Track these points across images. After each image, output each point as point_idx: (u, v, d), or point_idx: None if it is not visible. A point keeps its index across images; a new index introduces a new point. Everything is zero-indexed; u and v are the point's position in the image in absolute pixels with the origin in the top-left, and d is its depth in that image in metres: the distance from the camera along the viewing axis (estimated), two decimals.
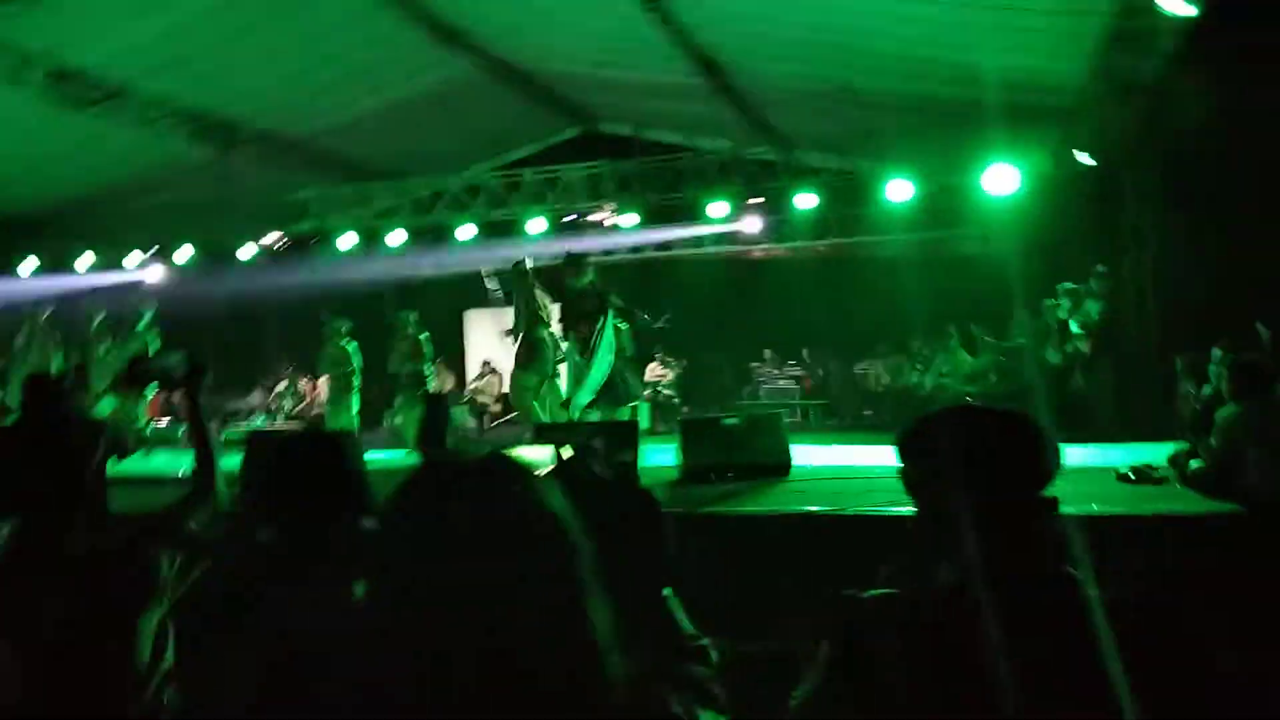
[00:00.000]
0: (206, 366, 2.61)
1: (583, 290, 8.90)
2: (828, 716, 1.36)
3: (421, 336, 10.74)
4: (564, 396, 9.01)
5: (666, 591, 1.43)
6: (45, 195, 13.59)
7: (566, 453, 1.63)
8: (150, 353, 10.21)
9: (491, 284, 11.39)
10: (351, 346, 10.92)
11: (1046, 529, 1.40)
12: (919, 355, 12.83)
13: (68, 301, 11.54)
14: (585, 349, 8.77)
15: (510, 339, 9.48)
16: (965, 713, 1.26)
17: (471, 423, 14.42)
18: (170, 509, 2.46)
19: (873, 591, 1.40)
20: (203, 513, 2.45)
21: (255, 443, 6.79)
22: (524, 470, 1.18)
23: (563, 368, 9.17)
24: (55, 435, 2.33)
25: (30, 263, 14.31)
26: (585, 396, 8.77)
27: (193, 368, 2.58)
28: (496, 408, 15.24)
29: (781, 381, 13.95)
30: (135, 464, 8.40)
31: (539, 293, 9.24)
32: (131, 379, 2.82)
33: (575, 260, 9.37)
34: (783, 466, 6.65)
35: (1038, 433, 1.52)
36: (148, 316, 10.70)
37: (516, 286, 9.29)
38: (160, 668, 2.22)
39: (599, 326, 8.79)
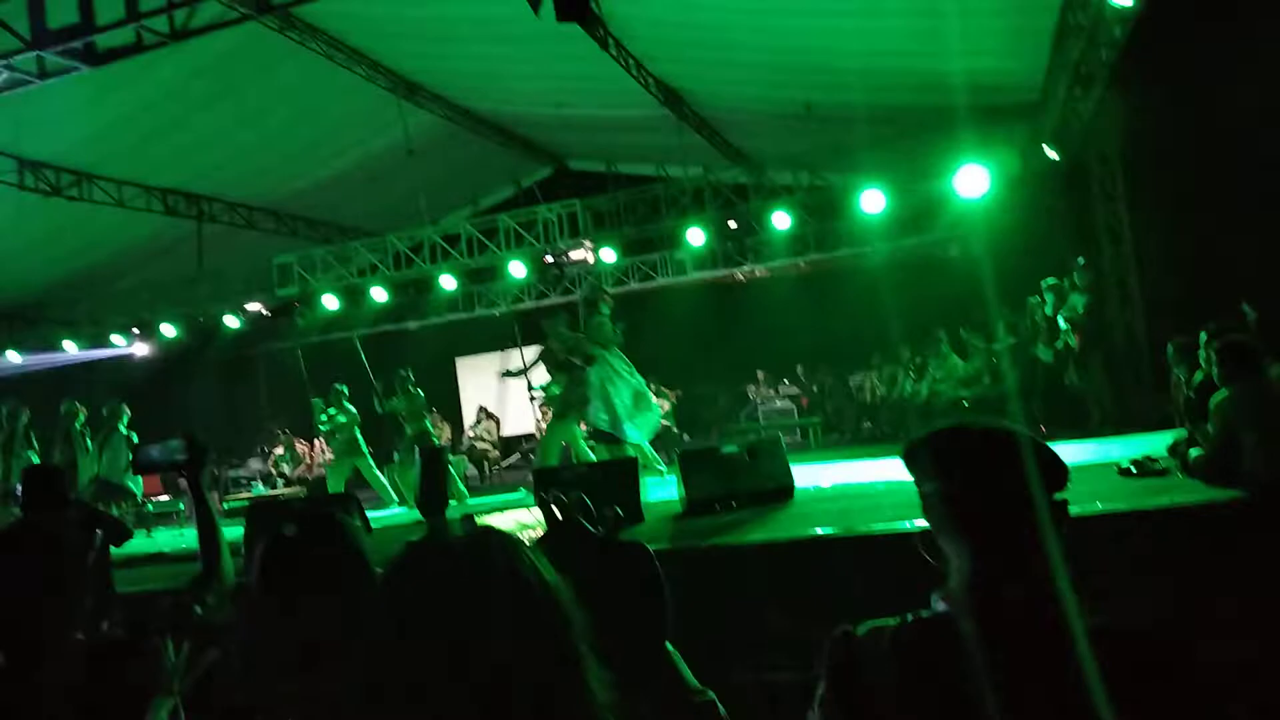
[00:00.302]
0: (207, 448, 2.62)
1: (610, 316, 8.95)
2: None
3: (419, 392, 10.80)
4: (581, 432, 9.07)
5: (668, 647, 1.42)
6: (24, 284, 13.61)
7: (557, 512, 1.63)
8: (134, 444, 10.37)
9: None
10: (351, 407, 10.99)
11: (1044, 550, 1.37)
12: (911, 363, 12.85)
13: (46, 401, 11.60)
14: (629, 372, 8.82)
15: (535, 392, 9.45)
16: None
17: (472, 470, 14.36)
18: (176, 594, 2.45)
19: (867, 625, 1.39)
20: (211, 595, 2.44)
21: (259, 510, 6.75)
22: (512, 545, 1.17)
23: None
24: (54, 528, 2.31)
25: (13, 354, 14.30)
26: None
27: (193, 451, 2.59)
28: (496, 453, 15.20)
29: (778, 402, 13.95)
30: (139, 543, 8.38)
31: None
32: (137, 469, 2.82)
33: (603, 288, 9.49)
34: (785, 490, 6.62)
35: (1031, 447, 1.46)
36: (126, 417, 10.77)
37: (561, 330, 9.23)
38: None
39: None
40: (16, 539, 2.29)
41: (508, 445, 15.61)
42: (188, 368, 15.16)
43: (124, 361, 14.65)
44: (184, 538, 9.33)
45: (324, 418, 11.18)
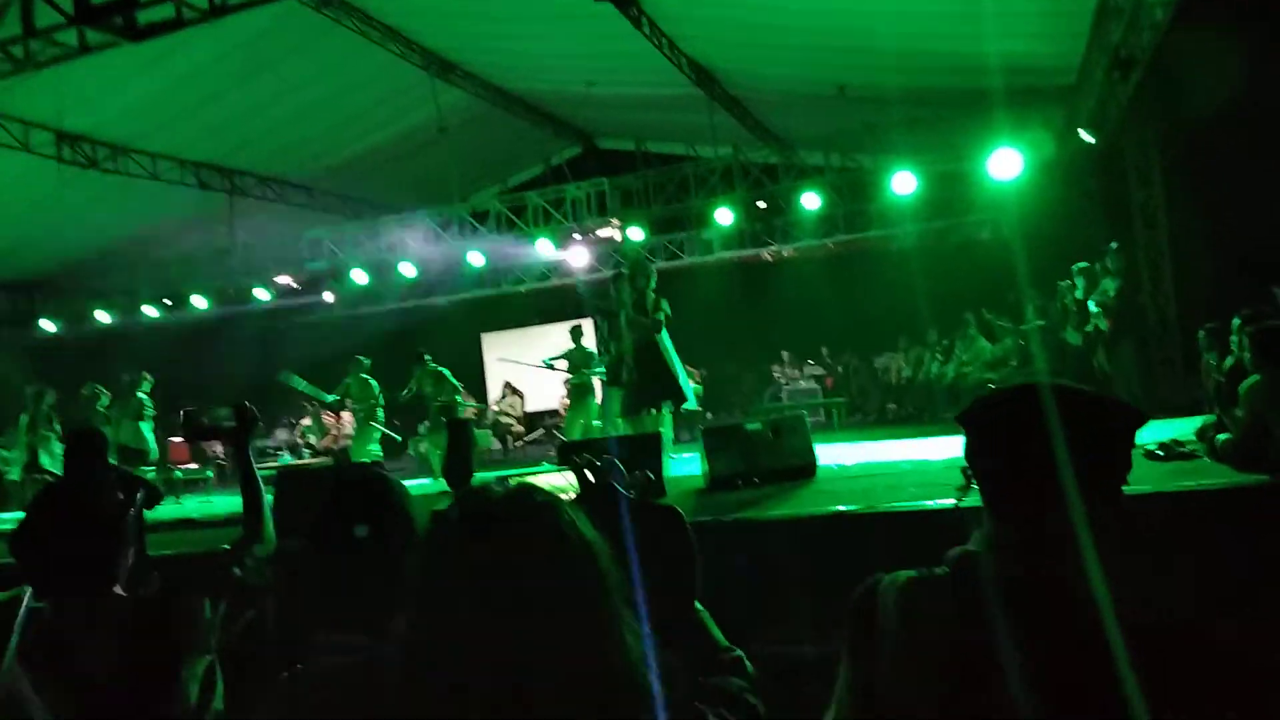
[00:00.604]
0: (255, 417, 2.71)
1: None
2: (848, 703, 1.38)
3: (444, 370, 10.84)
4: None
5: (698, 606, 1.45)
6: (62, 255, 13.83)
7: (590, 475, 1.66)
8: (148, 422, 10.73)
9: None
10: (373, 380, 11.10)
11: (1070, 518, 1.36)
12: (938, 345, 12.80)
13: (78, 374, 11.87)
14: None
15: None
16: (957, 703, 1.27)
17: (496, 445, 14.49)
18: (215, 556, 2.52)
19: (890, 576, 1.41)
20: (251, 558, 2.51)
21: (287, 479, 6.82)
22: (552, 502, 1.21)
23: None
24: (96, 490, 2.38)
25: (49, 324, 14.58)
26: None
27: (240, 419, 2.68)
28: (519, 428, 15.31)
29: (802, 382, 13.94)
30: (167, 509, 8.54)
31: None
32: (188, 434, 2.91)
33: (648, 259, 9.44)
34: (808, 468, 6.63)
35: (1076, 404, 1.40)
36: (146, 387, 10.97)
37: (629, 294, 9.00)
38: (209, 712, 2.26)
39: None
40: (61, 495, 2.36)
41: (531, 421, 15.72)
42: (217, 340, 15.35)
43: (155, 333, 14.88)
44: (211, 504, 9.48)
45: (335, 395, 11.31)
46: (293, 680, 1.77)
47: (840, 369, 14.54)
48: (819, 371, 14.43)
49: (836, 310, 13.78)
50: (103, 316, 14.62)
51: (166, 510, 8.34)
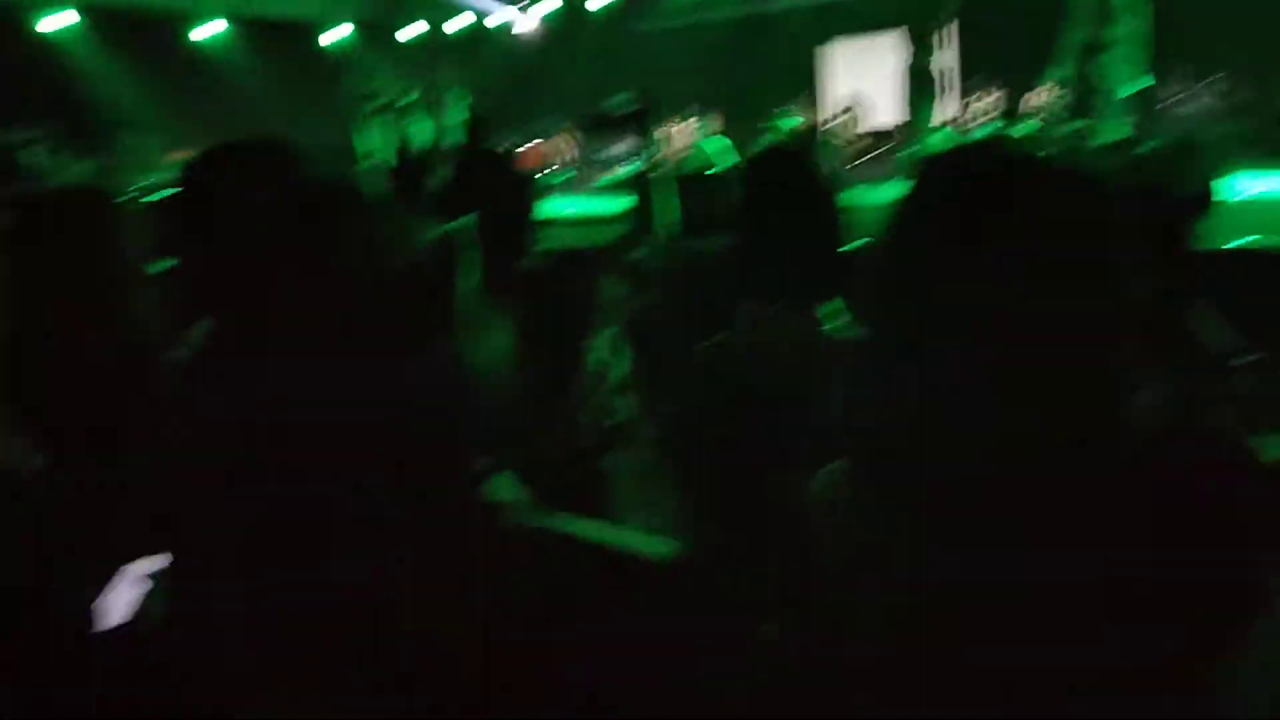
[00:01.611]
0: (651, 107, 2.76)
1: None
2: None
3: None
4: None
5: (1196, 305, 1.29)
6: None
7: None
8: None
9: None
10: None
11: None
12: None
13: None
14: None
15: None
16: None
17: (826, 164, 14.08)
18: (611, 243, 2.64)
19: None
20: (644, 245, 2.62)
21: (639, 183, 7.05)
22: (1044, 160, 1.05)
23: None
24: (498, 165, 2.52)
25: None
26: None
27: (641, 107, 2.76)
28: (853, 149, 14.70)
29: (1194, 102, 11.85)
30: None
31: None
32: (593, 122, 3.10)
33: None
34: (1201, 199, 5.85)
35: None
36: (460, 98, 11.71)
37: None
38: (614, 378, 2.45)
39: None
40: (471, 169, 2.53)
41: (873, 140, 14.97)
42: (556, 51, 15.79)
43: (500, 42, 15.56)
44: (569, 205, 9.99)
45: None
46: (710, 347, 1.83)
47: (1249, 90, 12.05)
48: (1218, 90, 12.08)
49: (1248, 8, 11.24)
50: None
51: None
